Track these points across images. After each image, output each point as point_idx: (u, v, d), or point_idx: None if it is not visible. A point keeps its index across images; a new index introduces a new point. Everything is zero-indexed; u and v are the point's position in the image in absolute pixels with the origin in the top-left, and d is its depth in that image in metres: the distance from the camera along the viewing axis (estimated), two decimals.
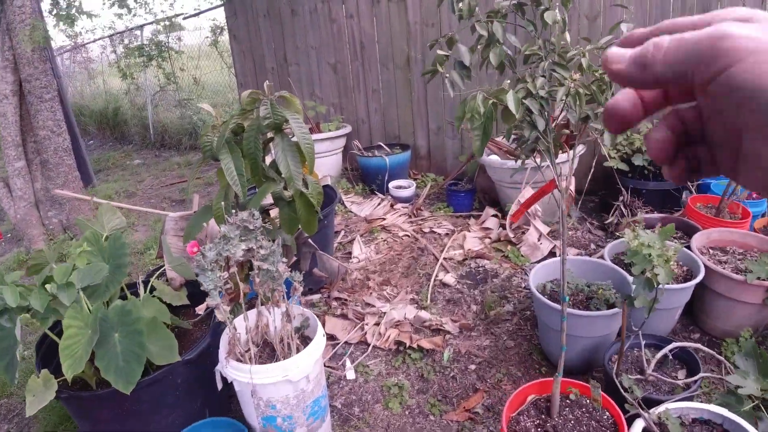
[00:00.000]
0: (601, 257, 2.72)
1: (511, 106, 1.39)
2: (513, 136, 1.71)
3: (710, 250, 2.79)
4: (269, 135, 1.96)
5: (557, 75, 1.46)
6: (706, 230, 2.81)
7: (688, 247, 2.71)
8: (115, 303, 1.84)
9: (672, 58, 0.31)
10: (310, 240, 2.47)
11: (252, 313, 1.95)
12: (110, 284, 1.91)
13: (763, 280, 2.38)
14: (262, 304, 1.88)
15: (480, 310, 2.88)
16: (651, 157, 0.37)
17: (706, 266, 2.48)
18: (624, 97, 0.36)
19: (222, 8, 5.92)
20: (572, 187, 3.45)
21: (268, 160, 2.07)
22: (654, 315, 2.42)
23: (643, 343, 2.12)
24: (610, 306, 2.33)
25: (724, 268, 2.53)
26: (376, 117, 5.04)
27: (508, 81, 1.65)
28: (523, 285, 3.10)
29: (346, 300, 2.96)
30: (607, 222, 3.58)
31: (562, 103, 1.48)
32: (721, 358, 2.14)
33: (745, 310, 2.54)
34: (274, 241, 1.80)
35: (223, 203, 1.96)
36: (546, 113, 1.48)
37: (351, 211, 4.19)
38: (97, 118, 9.22)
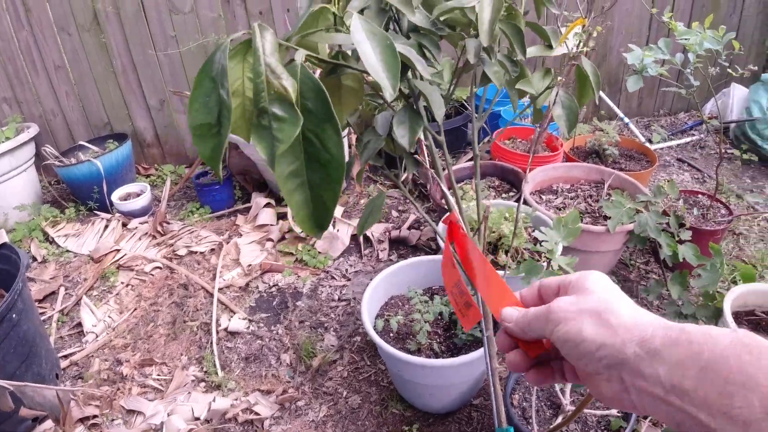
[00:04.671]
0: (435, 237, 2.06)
1: (374, 64, 0.51)
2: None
3: (541, 196, 2.31)
4: None
5: None
6: (530, 173, 2.33)
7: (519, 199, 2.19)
8: None
9: (526, 331, 0.50)
10: None
11: None
12: None
13: (625, 224, 1.96)
14: None
15: (295, 358, 2.04)
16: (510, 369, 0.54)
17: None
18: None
19: None
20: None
21: None
22: None
23: None
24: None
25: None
26: (71, 104, 3.66)
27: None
28: (336, 296, 2.33)
29: (95, 417, 1.87)
30: (402, 180, 2.96)
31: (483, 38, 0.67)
32: None
33: (603, 259, 2.12)
34: None
35: None
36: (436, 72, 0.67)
37: (68, 251, 2.92)
38: None
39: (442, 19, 0.69)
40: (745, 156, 2.95)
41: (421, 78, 0.65)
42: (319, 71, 0.66)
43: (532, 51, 0.83)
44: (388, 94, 0.50)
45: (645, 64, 1.90)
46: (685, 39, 1.86)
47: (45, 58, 3.54)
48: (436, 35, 0.70)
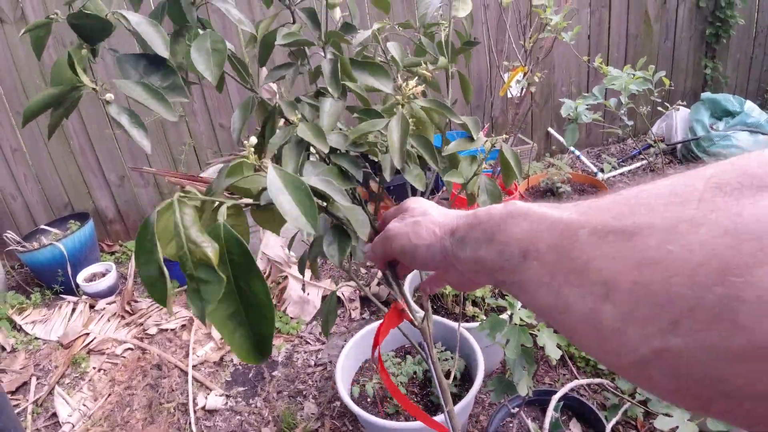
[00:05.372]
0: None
1: (292, 212, 0.56)
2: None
3: None
4: None
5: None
6: None
7: None
8: None
9: (377, 253, 0.62)
10: None
11: None
12: None
13: None
14: None
15: (276, 431, 2.03)
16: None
17: None
18: None
19: None
20: None
21: None
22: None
23: (526, 417, 1.56)
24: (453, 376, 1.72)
25: None
26: (30, 186, 3.64)
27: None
28: (312, 362, 2.33)
29: None
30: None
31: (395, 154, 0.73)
32: (603, 381, 1.70)
33: None
34: None
35: None
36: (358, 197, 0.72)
37: (37, 338, 2.87)
38: None
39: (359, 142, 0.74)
40: None
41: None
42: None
43: (452, 147, 0.88)
44: (307, 234, 0.55)
45: (579, 113, 2.00)
46: (613, 84, 1.95)
47: (1, 142, 3.53)
48: (355, 154, 0.76)
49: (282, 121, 0.89)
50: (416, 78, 0.80)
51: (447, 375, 1.76)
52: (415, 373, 1.81)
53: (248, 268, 0.55)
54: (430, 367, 0.97)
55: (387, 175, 0.76)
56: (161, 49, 0.66)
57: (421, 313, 1.04)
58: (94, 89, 0.67)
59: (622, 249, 0.30)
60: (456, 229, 0.50)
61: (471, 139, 0.89)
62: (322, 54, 0.87)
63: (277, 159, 0.85)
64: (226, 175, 0.62)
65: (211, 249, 0.52)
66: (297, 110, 0.78)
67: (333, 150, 0.76)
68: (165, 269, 0.54)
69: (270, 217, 0.75)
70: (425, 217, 0.55)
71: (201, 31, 0.78)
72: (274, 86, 2.13)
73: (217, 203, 0.61)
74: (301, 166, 0.73)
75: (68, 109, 0.72)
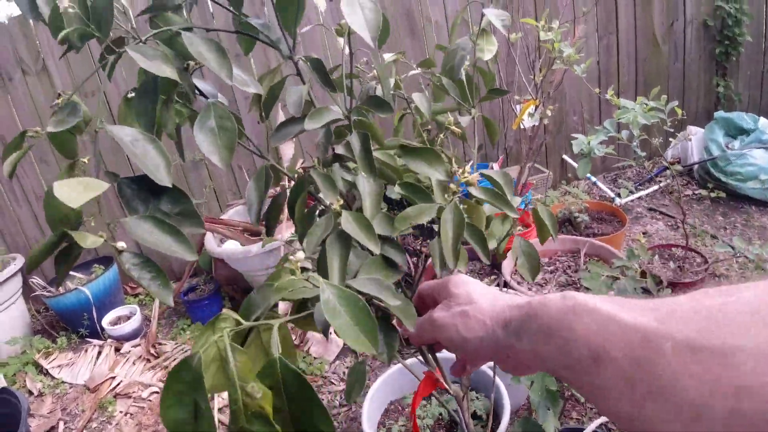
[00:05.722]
0: None
1: (354, 338, 0.53)
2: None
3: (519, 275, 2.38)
4: None
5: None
6: (508, 252, 2.40)
7: (505, 284, 2.26)
8: None
9: (422, 339, 0.62)
10: None
11: None
12: None
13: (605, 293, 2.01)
14: None
15: None
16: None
17: None
18: None
19: None
20: None
21: None
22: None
23: None
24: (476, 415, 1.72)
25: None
26: None
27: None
28: (336, 402, 2.34)
29: None
30: None
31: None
32: None
33: None
34: None
35: None
36: None
37: (63, 382, 2.91)
38: None
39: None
40: (713, 194, 3.04)
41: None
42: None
43: (486, 210, 0.85)
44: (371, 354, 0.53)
45: (592, 147, 2.00)
46: (622, 118, 1.95)
47: (26, 189, 3.62)
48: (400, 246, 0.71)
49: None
50: (470, 163, 0.76)
51: (474, 416, 1.76)
52: (440, 414, 1.81)
53: (309, 405, 0.49)
54: (461, 425, 0.98)
55: (438, 270, 0.70)
56: (163, 176, 0.56)
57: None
58: (102, 238, 0.58)
59: (713, 371, 0.29)
60: (509, 321, 0.49)
61: (503, 198, 0.76)
62: (338, 109, 0.76)
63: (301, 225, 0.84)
64: (275, 290, 0.59)
65: (265, 399, 0.47)
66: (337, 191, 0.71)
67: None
68: (209, 417, 0.49)
69: (309, 321, 0.68)
70: (473, 306, 0.53)
71: (203, 99, 0.69)
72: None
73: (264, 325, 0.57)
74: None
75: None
